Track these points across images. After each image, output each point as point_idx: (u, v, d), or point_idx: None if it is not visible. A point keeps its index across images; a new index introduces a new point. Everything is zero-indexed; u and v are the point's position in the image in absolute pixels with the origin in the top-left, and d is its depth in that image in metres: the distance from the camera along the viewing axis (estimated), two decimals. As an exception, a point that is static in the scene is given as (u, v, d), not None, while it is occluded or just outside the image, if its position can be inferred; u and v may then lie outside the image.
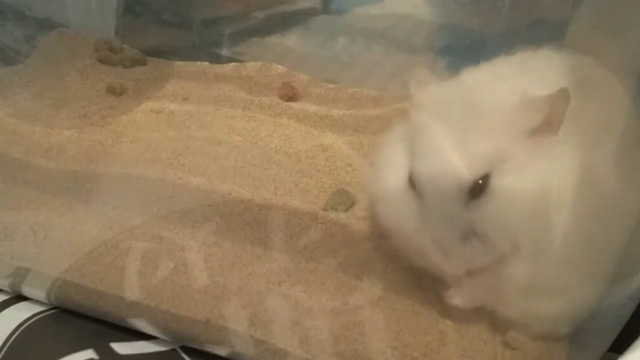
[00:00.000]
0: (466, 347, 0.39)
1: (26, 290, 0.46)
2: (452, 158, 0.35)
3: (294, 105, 0.63)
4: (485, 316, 0.39)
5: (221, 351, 0.42)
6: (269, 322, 0.40)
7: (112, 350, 0.42)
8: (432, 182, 0.35)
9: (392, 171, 0.39)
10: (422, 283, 0.41)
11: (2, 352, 0.42)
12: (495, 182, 0.34)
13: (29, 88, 0.64)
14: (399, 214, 0.38)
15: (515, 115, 0.35)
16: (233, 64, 0.71)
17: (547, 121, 0.35)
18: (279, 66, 0.69)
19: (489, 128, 0.35)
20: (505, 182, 0.34)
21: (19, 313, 0.45)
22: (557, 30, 0.52)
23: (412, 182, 0.37)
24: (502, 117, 0.35)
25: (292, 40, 0.74)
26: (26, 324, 0.44)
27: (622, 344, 0.32)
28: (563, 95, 0.34)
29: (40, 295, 0.46)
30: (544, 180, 0.35)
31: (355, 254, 0.45)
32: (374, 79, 0.67)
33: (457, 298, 0.38)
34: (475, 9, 0.64)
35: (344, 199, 0.49)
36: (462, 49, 0.64)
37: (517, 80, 0.38)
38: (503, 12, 0.60)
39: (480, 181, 0.34)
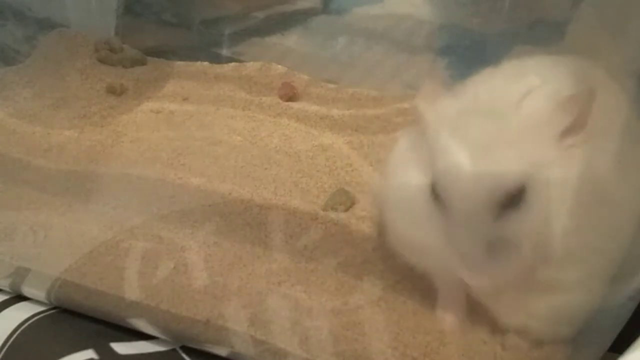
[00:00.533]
0: (466, 347, 0.39)
1: (26, 290, 0.46)
2: (485, 168, 0.33)
3: (294, 105, 0.63)
4: (486, 319, 0.39)
5: (221, 351, 0.42)
6: (269, 322, 0.40)
7: (112, 350, 0.42)
8: (462, 192, 0.33)
9: (407, 186, 0.37)
10: (422, 283, 0.41)
11: (2, 352, 0.42)
12: (530, 192, 0.33)
13: (29, 88, 0.64)
14: (418, 228, 0.36)
15: (544, 118, 0.34)
16: (233, 64, 0.70)
17: (576, 121, 0.34)
18: (279, 66, 0.69)
19: (519, 135, 0.34)
20: (540, 192, 0.33)
21: (19, 313, 0.45)
22: (557, 30, 0.52)
23: (436, 194, 0.34)
24: (531, 121, 0.34)
25: (292, 40, 0.73)
26: (26, 324, 0.44)
27: (622, 344, 0.32)
28: (589, 94, 0.34)
29: (40, 295, 0.46)
30: (578, 186, 0.34)
31: (355, 254, 0.45)
32: (374, 79, 0.66)
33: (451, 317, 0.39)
34: (475, 9, 0.64)
35: (344, 199, 0.49)
36: (462, 49, 0.64)
37: (531, 82, 0.37)
38: (503, 12, 0.60)
39: (515, 192, 0.33)
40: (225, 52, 0.73)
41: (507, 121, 0.34)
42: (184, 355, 0.42)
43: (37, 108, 0.62)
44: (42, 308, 0.46)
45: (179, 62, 0.71)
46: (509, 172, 0.33)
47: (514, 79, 0.38)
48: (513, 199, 0.33)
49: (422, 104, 0.38)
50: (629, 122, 0.39)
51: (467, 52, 0.64)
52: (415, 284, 0.41)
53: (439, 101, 0.37)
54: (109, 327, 0.44)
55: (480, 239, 0.33)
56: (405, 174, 0.38)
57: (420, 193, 0.35)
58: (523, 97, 0.35)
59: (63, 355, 0.42)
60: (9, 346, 0.43)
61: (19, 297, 0.47)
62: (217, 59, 0.71)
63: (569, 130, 0.34)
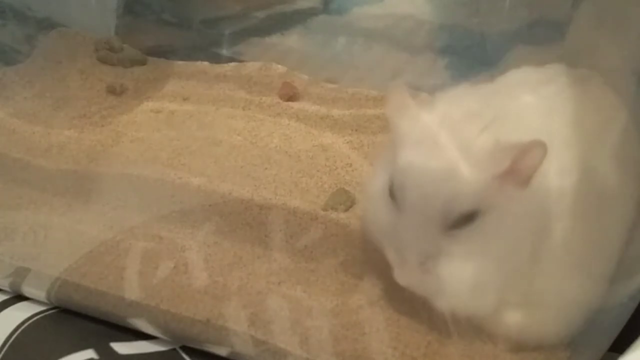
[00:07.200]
0: (466, 347, 0.39)
1: (26, 290, 0.46)
2: (447, 184, 0.34)
3: (294, 105, 0.63)
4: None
5: (221, 351, 0.42)
6: (269, 322, 0.40)
7: (112, 350, 0.42)
8: (416, 203, 0.35)
9: (375, 179, 0.39)
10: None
11: (2, 352, 0.42)
12: (478, 220, 0.34)
13: (29, 88, 0.64)
14: (374, 217, 0.39)
15: (487, 157, 0.34)
16: (233, 64, 0.71)
17: (515, 170, 0.33)
18: (279, 66, 0.69)
19: (469, 166, 0.34)
20: (485, 223, 0.34)
21: (19, 313, 0.45)
22: (557, 30, 0.52)
23: (392, 194, 0.36)
24: (477, 157, 0.34)
25: (292, 40, 0.73)
26: (26, 324, 0.44)
27: (622, 344, 0.32)
28: (535, 147, 0.33)
29: (40, 295, 0.46)
30: (516, 227, 0.35)
31: (355, 254, 0.45)
32: (374, 79, 0.67)
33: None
34: (475, 9, 0.64)
35: (344, 199, 0.49)
36: (462, 49, 0.64)
37: (493, 114, 0.36)
38: (503, 12, 0.60)
39: (465, 215, 0.34)
40: (225, 52, 0.73)
41: (461, 153, 0.34)
42: (184, 355, 0.42)
43: (37, 108, 0.62)
44: (42, 308, 0.46)
45: (179, 62, 0.71)
46: (463, 195, 0.33)
47: (484, 104, 0.38)
48: (462, 221, 0.34)
49: (390, 112, 0.38)
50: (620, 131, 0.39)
51: (467, 52, 0.64)
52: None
53: (407, 110, 0.38)
54: (109, 327, 0.44)
55: (421, 244, 0.35)
56: (377, 171, 0.39)
57: (382, 188, 0.37)
58: (484, 128, 0.35)
59: (63, 355, 0.42)
60: (9, 346, 0.43)
61: (19, 297, 0.47)
62: (217, 59, 0.71)
63: (508, 177, 0.34)
